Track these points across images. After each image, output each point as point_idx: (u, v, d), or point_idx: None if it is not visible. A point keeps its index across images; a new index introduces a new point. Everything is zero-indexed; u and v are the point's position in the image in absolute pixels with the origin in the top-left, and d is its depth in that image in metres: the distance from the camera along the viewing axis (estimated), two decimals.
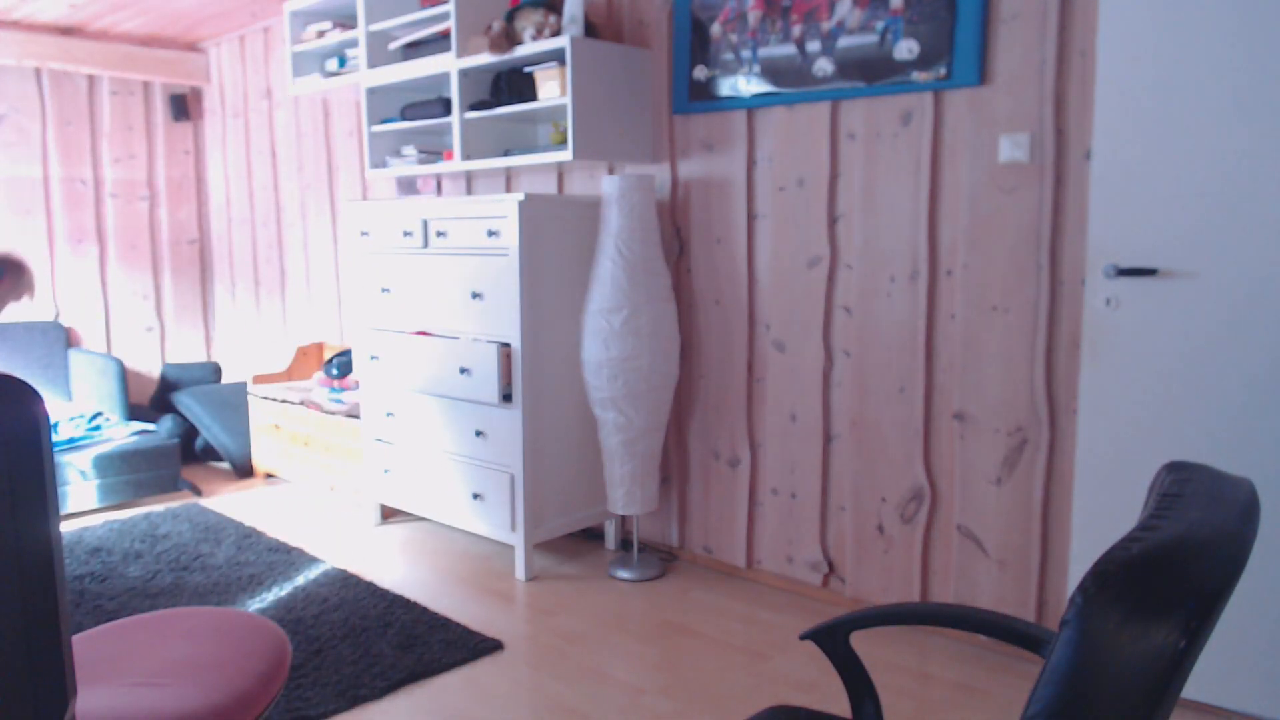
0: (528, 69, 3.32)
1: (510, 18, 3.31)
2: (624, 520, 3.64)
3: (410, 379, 3.52)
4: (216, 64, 5.41)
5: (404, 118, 3.79)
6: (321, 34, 4.04)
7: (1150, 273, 2.31)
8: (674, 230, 3.37)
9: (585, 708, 2.42)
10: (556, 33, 3.21)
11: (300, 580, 3.26)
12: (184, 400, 4.79)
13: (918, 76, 2.68)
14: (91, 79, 5.14)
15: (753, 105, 3.07)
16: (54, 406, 4.67)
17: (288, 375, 4.68)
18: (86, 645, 1.71)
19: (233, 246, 5.49)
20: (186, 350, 5.61)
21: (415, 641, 2.76)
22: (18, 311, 4.93)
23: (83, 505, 4.01)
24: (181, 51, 5.35)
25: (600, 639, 2.82)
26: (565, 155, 3.18)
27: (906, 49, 2.69)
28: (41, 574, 1.10)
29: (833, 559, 3.07)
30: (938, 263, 2.73)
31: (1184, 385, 2.31)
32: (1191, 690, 2.35)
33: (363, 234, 3.71)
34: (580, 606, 3.06)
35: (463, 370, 3.29)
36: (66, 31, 4.89)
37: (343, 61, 4.00)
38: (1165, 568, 0.90)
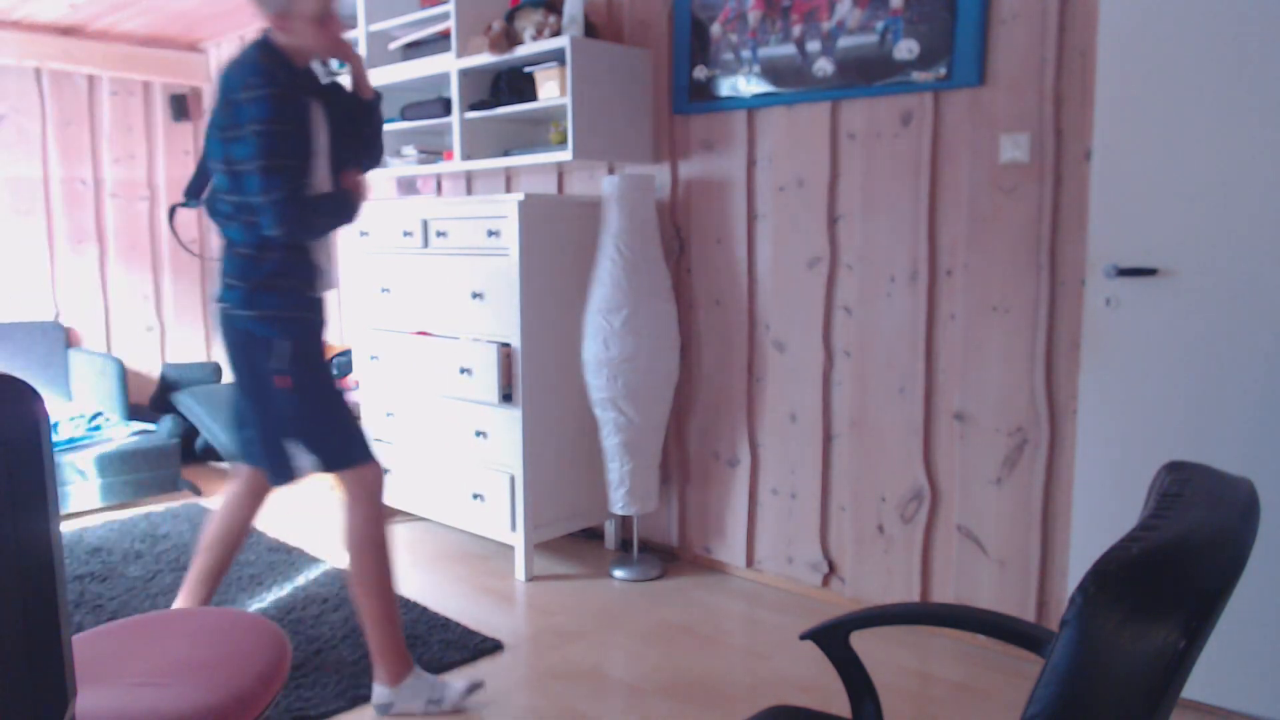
0: (528, 69, 3.32)
1: (510, 18, 3.31)
2: (624, 520, 3.64)
3: (410, 379, 3.52)
4: (216, 64, 5.41)
5: (404, 118, 3.79)
6: None
7: (1150, 273, 2.31)
8: (674, 230, 3.37)
9: (585, 708, 2.42)
10: (556, 33, 3.21)
11: (300, 580, 3.26)
12: (184, 400, 4.78)
13: (918, 76, 2.68)
14: (91, 79, 5.14)
15: (753, 105, 3.07)
16: (54, 406, 4.67)
17: None
18: (86, 645, 1.71)
19: None
20: (186, 350, 5.61)
21: (415, 641, 2.76)
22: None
23: (83, 505, 4.01)
24: (181, 51, 5.35)
25: (600, 639, 2.82)
26: (565, 155, 3.18)
27: (906, 49, 2.69)
28: (41, 574, 1.10)
29: (833, 559, 3.07)
30: (938, 263, 2.73)
31: (1184, 385, 2.31)
32: (1191, 690, 2.35)
33: (362, 234, 3.71)
34: (580, 606, 3.05)
35: (463, 370, 3.29)
36: (66, 31, 4.89)
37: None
38: (1165, 568, 0.90)
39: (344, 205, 2.36)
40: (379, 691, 2.38)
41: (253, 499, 2.54)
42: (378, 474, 2.37)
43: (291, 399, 2.30)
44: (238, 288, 2.28)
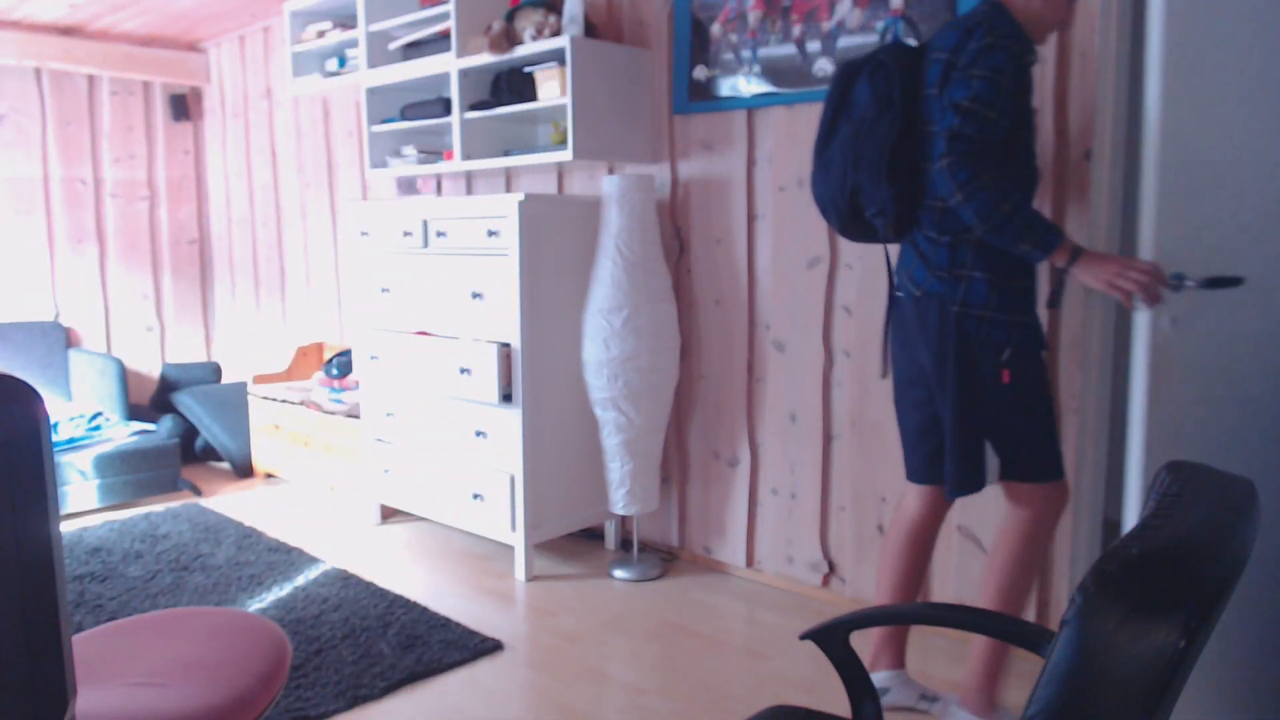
0: (528, 69, 3.32)
1: (510, 18, 3.31)
2: (624, 520, 3.64)
3: (410, 379, 3.52)
4: (216, 64, 5.41)
5: (404, 118, 3.79)
6: (321, 34, 4.04)
7: None
8: (674, 230, 3.37)
9: (585, 708, 2.42)
10: (556, 33, 3.20)
11: (300, 580, 3.26)
12: (184, 400, 4.78)
13: None
14: (91, 79, 5.14)
15: (753, 105, 3.07)
16: (54, 406, 4.67)
17: (288, 375, 4.68)
18: (86, 645, 1.71)
19: (233, 246, 5.49)
20: (186, 350, 5.60)
21: (415, 641, 2.76)
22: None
23: (83, 505, 4.01)
24: (181, 51, 5.35)
25: (600, 639, 2.82)
26: (565, 155, 3.18)
27: None
28: (41, 574, 1.10)
29: (833, 559, 3.07)
30: None
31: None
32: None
33: (363, 234, 3.71)
34: (580, 606, 3.05)
35: (463, 370, 3.29)
36: (66, 31, 4.89)
37: (343, 61, 4.00)
38: (1165, 568, 0.90)
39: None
40: (966, 717, 2.22)
41: (934, 520, 2.37)
42: (1066, 492, 2.22)
43: (1009, 394, 2.12)
44: (973, 280, 2.10)
